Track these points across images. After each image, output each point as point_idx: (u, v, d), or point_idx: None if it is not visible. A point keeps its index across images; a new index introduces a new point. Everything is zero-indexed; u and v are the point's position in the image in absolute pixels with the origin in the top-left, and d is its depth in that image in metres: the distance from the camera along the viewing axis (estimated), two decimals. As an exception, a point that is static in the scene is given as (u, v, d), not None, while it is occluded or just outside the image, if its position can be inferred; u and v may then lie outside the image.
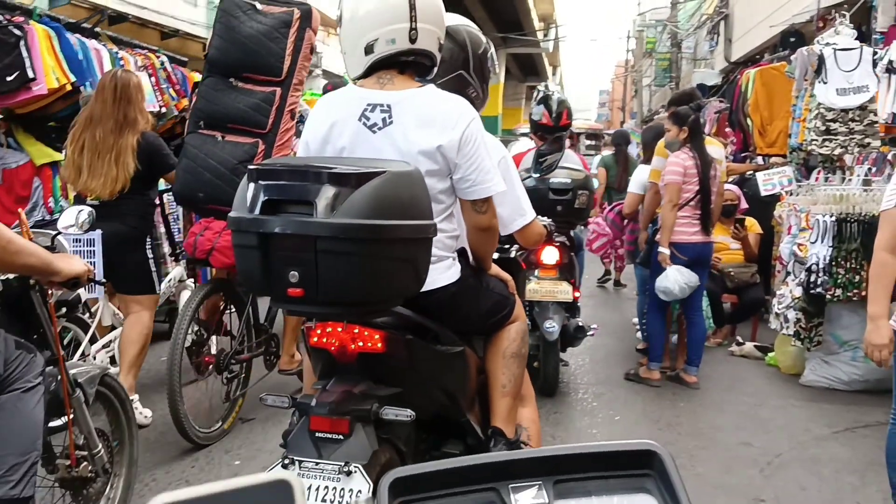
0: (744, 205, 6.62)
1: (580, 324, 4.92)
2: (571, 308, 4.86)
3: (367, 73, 2.24)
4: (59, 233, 2.77)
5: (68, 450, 2.53)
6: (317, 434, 1.93)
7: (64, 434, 2.52)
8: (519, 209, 2.57)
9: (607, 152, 10.20)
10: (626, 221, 6.18)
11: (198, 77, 6.58)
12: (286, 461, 1.88)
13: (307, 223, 1.79)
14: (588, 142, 16.72)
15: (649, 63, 30.93)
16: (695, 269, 5.11)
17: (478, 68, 2.66)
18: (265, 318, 4.40)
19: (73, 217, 3.18)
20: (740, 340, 6.18)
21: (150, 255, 4.14)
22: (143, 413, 4.09)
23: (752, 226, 6.51)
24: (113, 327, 4.29)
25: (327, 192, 1.78)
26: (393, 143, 2.15)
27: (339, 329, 2.01)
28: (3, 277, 2.45)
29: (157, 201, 4.56)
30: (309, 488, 1.82)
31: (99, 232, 3.75)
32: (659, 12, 27.93)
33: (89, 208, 3.25)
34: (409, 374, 2.14)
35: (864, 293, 5.06)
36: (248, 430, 4.17)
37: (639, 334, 6.23)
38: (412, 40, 2.18)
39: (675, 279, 5.00)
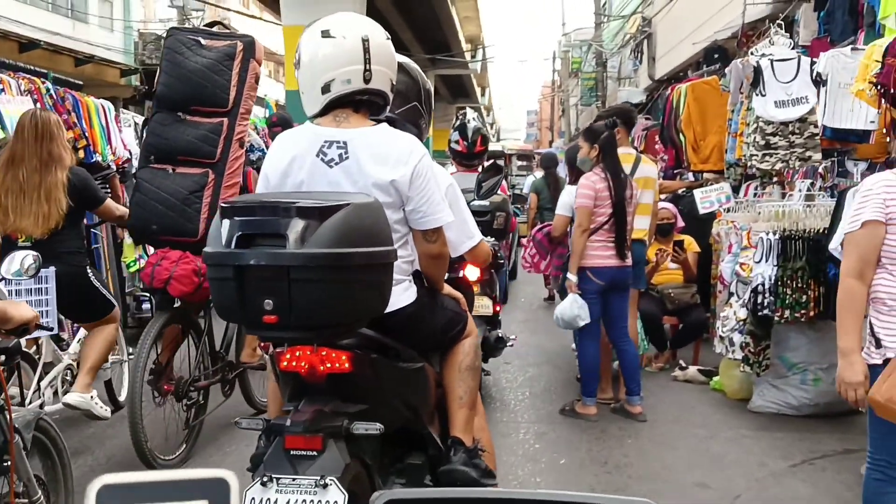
0: (680, 223, 6.33)
1: (500, 335, 5.12)
2: (493, 321, 5.04)
3: (324, 112, 2.36)
4: (2, 279, 2.79)
5: (7, 498, 2.42)
6: (291, 452, 2.03)
7: (2, 481, 2.42)
8: (467, 232, 2.68)
9: (538, 174, 10.47)
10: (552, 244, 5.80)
11: (93, 102, 6.40)
12: (264, 478, 1.95)
13: (280, 254, 1.92)
14: (520, 162, 16.86)
15: (575, 83, 31.14)
16: (612, 294, 4.80)
17: (426, 100, 2.87)
18: (221, 346, 4.43)
19: (18, 263, 3.05)
20: (683, 365, 5.85)
21: (96, 282, 4.18)
22: (102, 407, 4.15)
23: (690, 244, 6.22)
24: (53, 364, 4.28)
25: (297, 225, 1.91)
26: (349, 177, 2.27)
27: (308, 352, 2.09)
28: None
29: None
30: (287, 502, 1.92)
31: (52, 269, 3.76)
32: (584, 32, 28.16)
33: (34, 253, 3.13)
34: (374, 391, 2.24)
35: (812, 314, 4.79)
36: (208, 455, 4.14)
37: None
38: (366, 80, 2.30)
39: (563, 309, 4.72)
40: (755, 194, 5.87)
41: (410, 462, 2.42)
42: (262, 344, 3.94)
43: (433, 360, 2.58)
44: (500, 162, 8.96)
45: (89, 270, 4.16)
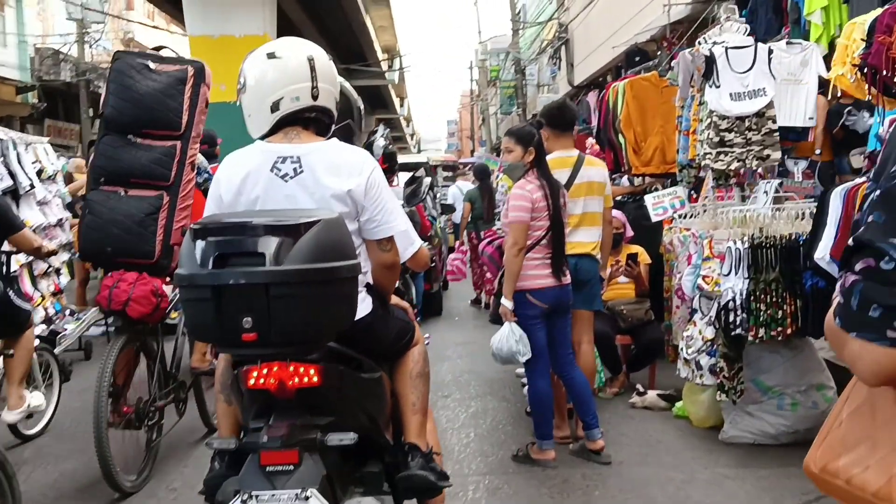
0: (629, 232, 5.71)
1: None
2: None
3: (273, 132, 2.39)
4: None
5: None
6: (268, 468, 2.02)
7: None
8: (408, 239, 2.63)
9: (470, 186, 10.83)
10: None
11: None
12: (244, 497, 1.95)
13: (261, 272, 1.94)
14: (445, 173, 16.69)
15: (494, 91, 30.75)
16: (554, 317, 4.16)
17: (358, 117, 3.07)
18: (171, 365, 4.39)
19: None
20: (641, 389, 5.21)
21: (18, 301, 4.27)
22: (36, 399, 4.39)
23: (641, 255, 5.60)
24: None
25: (273, 243, 1.96)
26: (305, 190, 2.30)
27: (275, 368, 2.05)
28: None
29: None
30: None
31: None
32: (500, 40, 27.75)
33: None
34: (340, 403, 2.22)
35: (788, 331, 4.20)
36: (166, 474, 4.19)
37: (525, 389, 5.14)
38: (314, 97, 2.37)
39: (500, 342, 4.06)
40: (707, 197, 5.28)
41: (368, 470, 2.36)
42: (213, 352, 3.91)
43: (384, 369, 2.53)
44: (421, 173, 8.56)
45: (10, 293, 4.17)
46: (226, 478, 2.17)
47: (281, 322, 1.96)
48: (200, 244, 2.01)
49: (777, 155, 4.76)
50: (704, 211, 4.98)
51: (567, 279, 4.16)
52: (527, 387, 4.58)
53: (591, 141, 8.22)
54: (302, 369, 2.06)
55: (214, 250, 1.98)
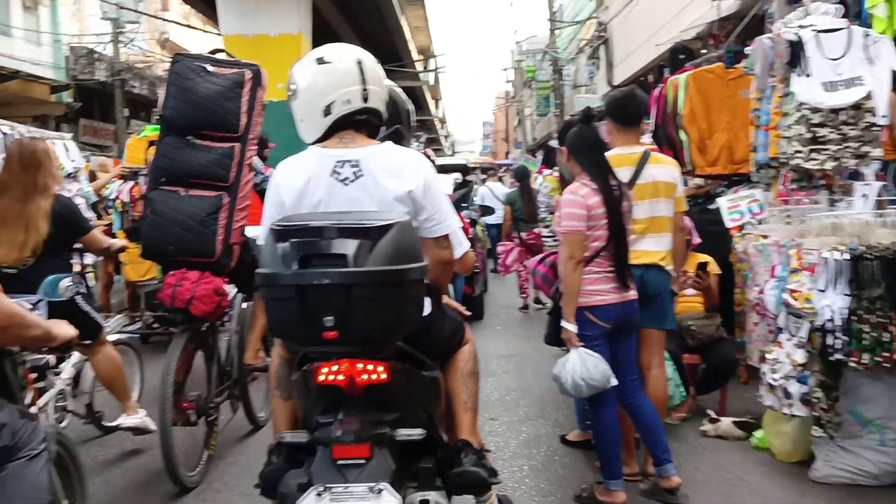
0: (696, 239, 5.12)
1: None
2: None
3: (326, 136, 2.46)
4: (41, 300, 3.06)
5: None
6: (339, 462, 2.05)
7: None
8: (458, 241, 2.60)
9: (500, 186, 11.15)
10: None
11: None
12: (319, 489, 1.98)
13: (345, 273, 2.01)
14: (483, 175, 16.37)
15: (530, 93, 30.15)
16: (618, 338, 3.61)
17: (407, 122, 3.04)
18: (226, 363, 4.44)
19: (50, 286, 3.05)
20: (713, 415, 4.61)
21: (87, 307, 4.12)
22: (151, 422, 4.19)
23: (710, 265, 5.00)
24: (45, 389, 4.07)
25: (354, 245, 2.03)
26: (366, 192, 2.36)
27: (345, 365, 2.10)
28: None
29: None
30: None
31: (45, 300, 3.58)
32: (537, 41, 27.13)
33: (72, 277, 3.13)
34: (403, 400, 2.24)
35: (895, 356, 3.60)
36: (221, 471, 4.20)
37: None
38: (365, 99, 2.44)
39: (572, 369, 3.45)
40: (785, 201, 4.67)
41: (422, 466, 2.32)
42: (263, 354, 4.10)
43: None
44: (471, 177, 9.88)
45: (78, 298, 4.07)
46: (285, 471, 2.19)
47: (361, 321, 2.03)
48: (283, 245, 2.08)
49: (878, 152, 4.15)
50: (789, 216, 4.37)
51: (633, 294, 3.61)
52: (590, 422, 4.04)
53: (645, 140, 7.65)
54: (371, 366, 2.11)
55: (298, 251, 2.05)
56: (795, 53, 4.19)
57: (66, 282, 3.04)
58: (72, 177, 7.25)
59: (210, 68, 4.05)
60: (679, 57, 13.03)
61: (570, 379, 3.46)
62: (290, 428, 2.44)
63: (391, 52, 25.67)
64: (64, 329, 2.35)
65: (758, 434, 4.37)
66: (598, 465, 3.73)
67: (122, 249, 4.64)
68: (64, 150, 7.30)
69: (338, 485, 2.00)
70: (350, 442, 2.06)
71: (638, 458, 3.93)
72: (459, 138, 66.65)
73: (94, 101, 22.01)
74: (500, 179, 15.43)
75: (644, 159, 3.87)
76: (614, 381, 3.47)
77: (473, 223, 8.75)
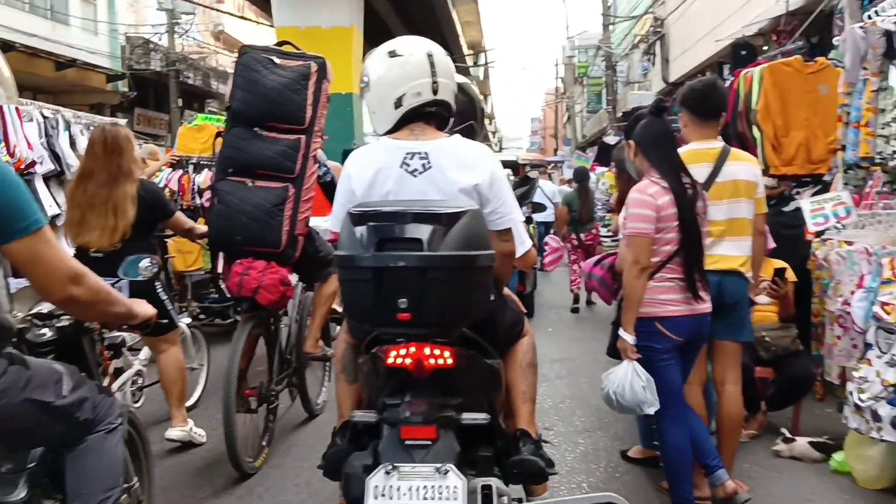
0: (771, 243, 4.74)
1: None
2: None
3: (397, 128, 2.49)
4: (120, 279, 3.05)
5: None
6: (407, 442, 2.10)
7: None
8: (521, 239, 2.62)
9: (548, 183, 11.02)
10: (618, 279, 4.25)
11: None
12: (388, 468, 2.03)
13: (420, 256, 2.06)
14: (533, 172, 16.08)
15: (581, 89, 29.62)
16: (689, 354, 3.33)
17: (480, 118, 3.09)
18: (286, 350, 4.47)
19: (131, 266, 3.07)
20: (787, 435, 4.25)
21: (164, 296, 4.15)
22: (199, 433, 4.28)
23: (787, 272, 4.63)
24: (123, 369, 4.18)
25: (430, 230, 2.08)
26: (434, 185, 2.40)
27: (413, 349, 2.14)
28: (59, 325, 2.44)
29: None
30: (409, 489, 2.01)
31: (126, 280, 3.45)
32: (588, 36, 26.61)
33: (151, 258, 3.14)
34: (467, 385, 2.26)
35: None
36: (280, 457, 4.23)
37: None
38: (434, 92, 2.45)
39: (618, 385, 3.16)
40: (871, 204, 4.29)
41: (481, 454, 2.31)
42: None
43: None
44: (534, 174, 9.12)
45: (157, 285, 4.11)
46: (349, 453, 2.23)
47: (433, 304, 2.07)
48: (361, 229, 2.13)
49: (982, 153, 3.74)
50: (879, 221, 3.99)
51: (707, 306, 3.28)
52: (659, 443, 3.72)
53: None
54: (438, 351, 2.14)
55: (376, 235, 2.10)
56: (892, 44, 3.80)
57: (146, 262, 3.06)
58: None
59: (277, 60, 4.05)
60: (741, 53, 12.54)
61: (608, 389, 3.20)
62: (355, 410, 2.44)
63: (441, 47, 25.42)
64: (144, 308, 2.37)
65: (838, 457, 4.00)
66: (666, 487, 3.42)
67: (205, 234, 4.53)
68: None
69: (405, 464, 2.05)
70: (418, 423, 2.12)
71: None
72: (507, 134, 66.10)
73: (148, 90, 22.21)
74: (549, 177, 15.09)
75: (723, 155, 3.54)
76: (649, 410, 3.15)
77: (528, 220, 8.47)
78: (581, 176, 10.08)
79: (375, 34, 21.71)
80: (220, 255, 6.83)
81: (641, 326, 3.20)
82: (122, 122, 8.75)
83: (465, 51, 27.81)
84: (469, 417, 2.18)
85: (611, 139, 13.32)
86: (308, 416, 4.83)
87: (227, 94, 4.43)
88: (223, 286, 6.11)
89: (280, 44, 4.34)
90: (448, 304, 2.11)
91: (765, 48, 12.77)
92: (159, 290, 4.12)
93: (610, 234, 7.16)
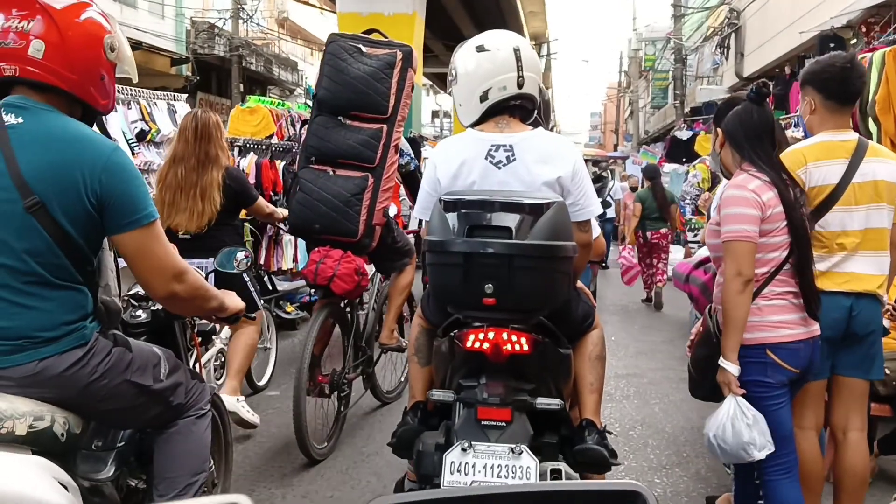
0: (889, 257, 3.98)
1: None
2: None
3: (482, 120, 2.53)
4: (214, 271, 3.15)
5: None
6: (483, 422, 2.18)
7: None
8: (594, 226, 2.64)
9: (621, 183, 11.25)
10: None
11: None
12: (464, 445, 2.10)
13: (509, 244, 2.13)
14: (594, 169, 15.62)
15: (645, 84, 28.50)
16: (796, 388, 2.71)
17: (544, 110, 2.92)
18: (362, 339, 4.41)
19: (226, 258, 3.03)
20: (907, 485, 3.52)
21: (247, 278, 4.18)
22: (251, 412, 4.20)
23: (908, 291, 3.86)
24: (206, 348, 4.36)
25: (519, 219, 2.15)
26: (517, 177, 2.43)
27: (491, 334, 2.20)
28: (153, 308, 2.45)
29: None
30: (484, 466, 2.09)
31: (211, 261, 3.64)
32: (655, 29, 25.49)
33: (246, 251, 3.10)
34: (540, 372, 2.32)
35: None
36: (350, 445, 4.18)
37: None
38: (520, 86, 2.48)
39: (725, 425, 2.54)
40: None
41: (546, 440, 2.30)
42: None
43: None
44: (606, 174, 9.59)
45: (244, 273, 4.09)
46: (420, 432, 2.34)
47: (518, 290, 2.14)
48: (452, 216, 2.22)
49: None
50: None
51: (818, 328, 2.66)
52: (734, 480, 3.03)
53: (793, 134, 6.44)
54: (515, 337, 2.20)
55: (467, 222, 2.18)
56: None
57: (241, 255, 3.04)
58: (152, 143, 7.26)
59: (363, 49, 4.01)
60: (829, 46, 11.64)
61: (709, 434, 2.62)
62: (426, 391, 2.50)
63: (370, 31, 24.62)
64: (235, 301, 2.34)
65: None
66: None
67: (285, 219, 4.62)
68: (155, 108, 7.50)
69: (481, 443, 2.11)
70: (495, 404, 2.18)
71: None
72: (565, 129, 64.74)
73: (211, 75, 22.09)
74: (611, 173, 14.43)
75: (861, 150, 2.87)
76: (759, 454, 2.53)
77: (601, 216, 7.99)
78: (652, 173, 9.90)
79: (438, 22, 21.18)
80: (263, 244, 6.59)
81: (748, 356, 2.59)
82: (183, 96, 8.59)
83: (529, 41, 26.99)
84: (543, 402, 2.23)
85: (683, 134, 12.49)
86: (380, 404, 4.84)
87: (290, 79, 4.12)
88: (265, 278, 5.96)
89: (368, 31, 4.28)
90: (531, 291, 2.16)
91: (853, 41, 11.78)
92: (247, 278, 4.16)
93: (698, 240, 6.40)
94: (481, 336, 2.20)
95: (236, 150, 6.70)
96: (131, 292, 2.46)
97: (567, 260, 2.24)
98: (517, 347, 2.18)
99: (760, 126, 2.69)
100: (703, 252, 3.83)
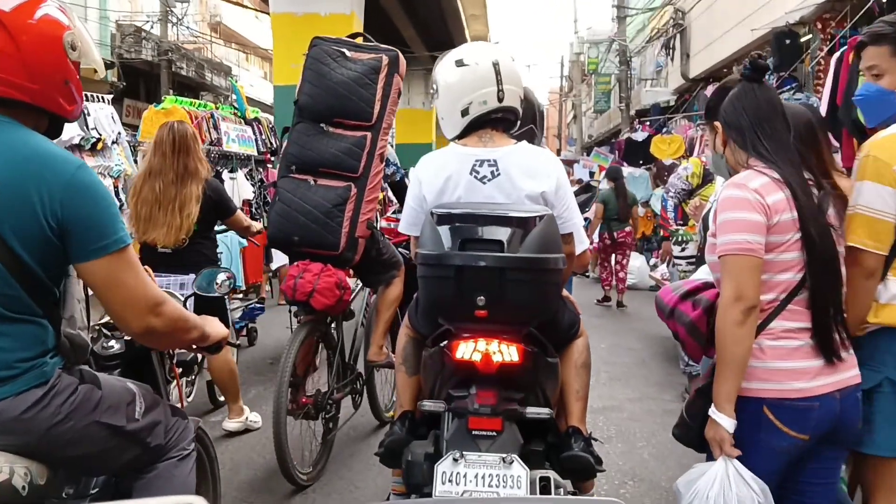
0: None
1: None
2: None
3: (464, 133, 2.52)
4: (193, 294, 2.93)
5: None
6: (474, 432, 2.17)
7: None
8: (580, 238, 2.62)
9: (605, 187, 10.53)
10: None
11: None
12: (455, 455, 2.10)
13: (500, 257, 2.12)
14: (587, 180, 15.30)
15: (587, 89, 28.05)
16: (820, 451, 2.02)
17: (540, 122, 3.10)
18: (349, 357, 4.23)
19: (206, 279, 2.88)
20: None
21: (227, 301, 4.16)
22: (255, 419, 4.40)
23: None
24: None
25: (510, 233, 2.15)
26: (502, 192, 2.42)
27: (481, 345, 2.18)
28: (127, 338, 2.26)
29: None
30: (475, 476, 2.08)
31: (192, 277, 3.61)
32: (597, 33, 25.01)
33: (227, 272, 2.92)
34: (529, 382, 2.30)
35: None
36: (339, 466, 3.99)
37: None
38: (500, 100, 2.46)
39: (717, 491, 1.94)
40: None
41: (533, 448, 2.31)
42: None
43: None
44: (595, 183, 9.37)
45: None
46: (408, 441, 2.33)
47: (509, 303, 2.12)
48: (445, 229, 2.19)
49: None
50: None
51: (853, 374, 2.01)
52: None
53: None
54: (505, 347, 2.17)
55: (459, 235, 2.16)
56: None
57: (222, 276, 2.84)
58: (115, 143, 6.66)
59: (348, 53, 3.85)
60: (785, 42, 11.11)
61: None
62: (413, 401, 2.49)
63: (445, 41, 23.86)
64: (217, 329, 2.11)
65: None
66: None
67: (260, 232, 4.67)
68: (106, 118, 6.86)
69: (472, 452, 2.11)
70: (486, 414, 2.17)
71: None
72: (508, 134, 64.33)
73: (139, 81, 20.73)
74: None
75: None
76: None
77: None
78: (615, 174, 9.90)
79: (377, 25, 20.22)
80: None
81: (740, 408, 1.96)
82: (108, 97, 7.61)
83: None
84: (533, 411, 2.23)
85: (638, 135, 11.83)
86: (379, 424, 4.54)
87: (223, 84, 3.42)
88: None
89: (354, 35, 4.10)
90: (523, 303, 2.15)
91: (808, 37, 11.30)
92: (226, 300, 4.07)
93: (685, 255, 5.52)
94: (471, 346, 2.19)
95: (140, 154, 5.76)
96: (102, 321, 2.26)
97: (557, 272, 2.23)
98: (507, 358, 2.18)
99: (765, 107, 2.07)
100: (699, 275, 3.02)
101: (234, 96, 10.11)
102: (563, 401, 2.51)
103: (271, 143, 8.98)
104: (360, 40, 4.04)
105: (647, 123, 16.11)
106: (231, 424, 4.32)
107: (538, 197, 2.38)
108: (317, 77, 3.80)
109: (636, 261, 10.69)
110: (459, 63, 2.45)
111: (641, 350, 6.89)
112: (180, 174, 3.98)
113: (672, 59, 17.54)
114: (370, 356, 4.23)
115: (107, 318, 2.22)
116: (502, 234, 2.12)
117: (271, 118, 10.85)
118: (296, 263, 3.84)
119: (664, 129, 14.60)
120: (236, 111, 8.91)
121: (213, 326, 2.10)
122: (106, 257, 1.68)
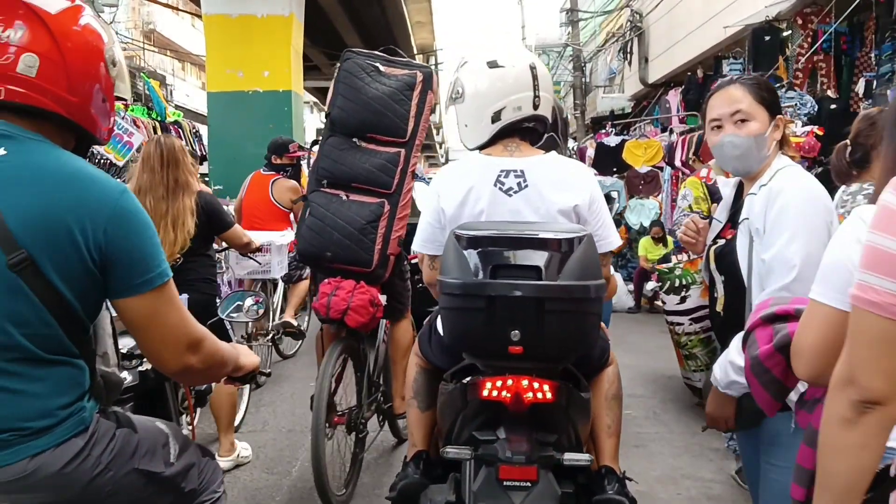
0: None
1: None
2: None
3: (489, 143, 2.30)
4: (220, 318, 2.87)
5: None
6: (505, 483, 1.91)
7: None
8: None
9: None
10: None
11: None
12: None
13: (540, 286, 1.84)
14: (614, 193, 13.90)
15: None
16: None
17: (563, 130, 3.06)
18: (374, 374, 3.96)
19: (233, 304, 2.78)
20: None
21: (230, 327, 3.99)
22: (244, 450, 4.16)
23: None
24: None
25: (549, 257, 1.87)
26: (530, 204, 2.20)
27: (510, 382, 1.94)
28: (141, 369, 2.12)
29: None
30: None
31: (186, 297, 3.09)
32: (542, 39, 24.01)
33: (256, 296, 2.83)
34: (563, 420, 2.07)
35: None
36: (371, 487, 3.80)
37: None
38: (535, 107, 2.27)
39: None
40: None
41: (564, 490, 1.99)
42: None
43: None
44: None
45: (218, 301, 3.78)
46: (424, 485, 2.11)
47: (549, 337, 1.88)
48: (472, 253, 1.93)
49: None
50: None
51: None
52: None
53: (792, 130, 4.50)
54: (537, 384, 1.95)
55: (489, 261, 1.90)
56: None
57: (249, 301, 2.53)
58: None
59: (382, 68, 3.69)
60: (764, 39, 10.13)
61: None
62: (427, 439, 2.32)
63: (389, 49, 22.53)
64: (251, 359, 1.91)
65: None
66: None
67: (260, 249, 4.52)
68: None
69: None
70: (520, 463, 1.91)
71: None
72: (454, 145, 63.29)
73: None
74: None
75: None
76: None
77: None
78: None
79: (318, 30, 18.75)
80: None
81: None
82: None
83: (415, 53, 24.85)
84: (571, 458, 1.94)
85: (611, 140, 10.66)
86: (397, 442, 4.38)
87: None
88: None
89: (385, 50, 3.92)
90: (563, 338, 1.90)
91: (787, 33, 10.36)
92: (229, 326, 3.86)
93: (687, 308, 3.13)
94: (499, 384, 1.93)
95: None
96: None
97: (598, 301, 1.94)
98: (540, 395, 1.92)
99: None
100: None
101: (149, 94, 8.57)
102: (593, 436, 2.31)
103: (194, 149, 7.49)
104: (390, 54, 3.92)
105: (611, 131, 15.06)
106: (224, 464, 4.00)
107: (570, 211, 2.19)
108: (351, 91, 3.66)
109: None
110: (493, 64, 2.28)
111: (648, 397, 5.52)
112: (171, 188, 3.77)
113: (629, 64, 16.53)
114: (396, 409, 4.06)
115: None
116: (539, 258, 1.87)
117: (199, 125, 9.34)
118: (327, 280, 3.67)
119: (631, 136, 13.56)
120: (151, 112, 7.39)
121: (247, 357, 1.92)
122: (150, 292, 1.52)
